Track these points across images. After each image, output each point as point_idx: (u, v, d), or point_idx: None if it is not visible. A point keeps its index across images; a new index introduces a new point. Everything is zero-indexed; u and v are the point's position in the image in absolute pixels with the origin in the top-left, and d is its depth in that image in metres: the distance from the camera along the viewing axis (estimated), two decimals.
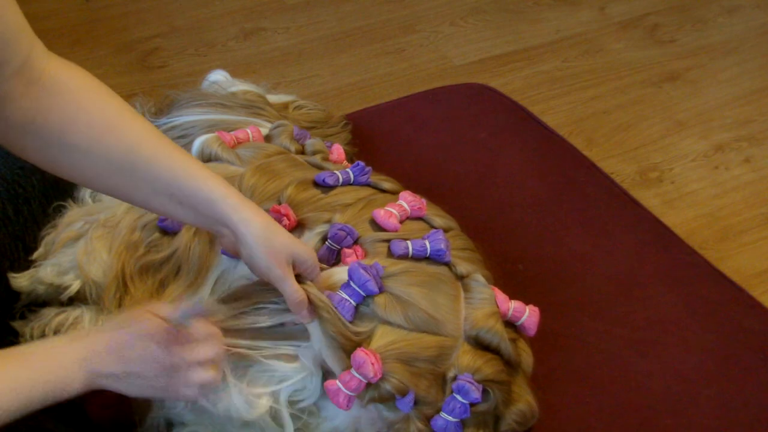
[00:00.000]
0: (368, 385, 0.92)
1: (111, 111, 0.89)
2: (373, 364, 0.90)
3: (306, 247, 0.95)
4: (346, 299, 0.94)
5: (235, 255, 0.99)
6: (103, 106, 0.89)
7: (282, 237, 0.92)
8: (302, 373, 0.95)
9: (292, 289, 0.92)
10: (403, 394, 0.92)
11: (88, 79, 0.90)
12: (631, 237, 1.32)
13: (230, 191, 0.91)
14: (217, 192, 0.90)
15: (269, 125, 1.26)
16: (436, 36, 2.51)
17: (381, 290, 0.95)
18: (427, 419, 0.94)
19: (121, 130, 0.88)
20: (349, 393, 0.91)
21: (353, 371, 0.91)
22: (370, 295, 0.95)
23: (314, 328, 0.94)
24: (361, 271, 0.94)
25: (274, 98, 1.39)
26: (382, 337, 0.93)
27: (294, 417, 0.97)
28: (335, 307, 0.93)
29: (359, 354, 0.91)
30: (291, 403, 0.96)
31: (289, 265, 0.92)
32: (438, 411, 0.94)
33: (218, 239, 0.99)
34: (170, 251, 1.08)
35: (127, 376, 0.81)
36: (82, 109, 0.87)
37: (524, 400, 0.99)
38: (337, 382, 0.91)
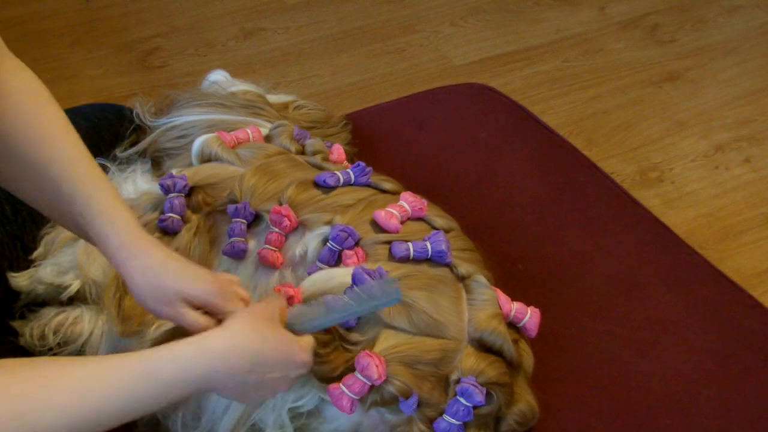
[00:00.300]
0: (371, 388, 0.91)
1: (48, 125, 0.87)
2: (377, 366, 0.90)
3: (198, 282, 0.87)
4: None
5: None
6: (41, 118, 0.87)
7: (168, 280, 0.85)
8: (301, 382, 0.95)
9: (189, 321, 0.85)
10: (407, 396, 0.92)
11: (34, 85, 0.89)
12: (631, 237, 1.32)
13: (128, 232, 0.86)
14: (112, 231, 0.85)
15: (269, 125, 1.26)
16: (436, 36, 2.51)
17: None
18: (430, 421, 0.94)
19: (53, 146, 0.86)
20: (353, 396, 0.90)
21: (357, 374, 0.90)
22: None
23: None
24: (365, 276, 0.94)
25: (274, 98, 1.39)
26: (386, 341, 0.93)
27: (294, 417, 0.97)
28: None
29: (363, 357, 0.90)
30: (291, 410, 0.96)
31: (181, 302, 0.85)
32: (441, 413, 0.94)
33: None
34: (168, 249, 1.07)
35: (237, 388, 0.80)
36: (21, 119, 0.86)
37: (525, 401, 0.99)
38: (341, 385, 0.90)
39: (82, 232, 0.89)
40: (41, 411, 0.68)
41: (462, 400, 0.92)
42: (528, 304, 1.04)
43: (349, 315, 0.90)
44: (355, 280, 0.94)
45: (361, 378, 0.90)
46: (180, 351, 0.77)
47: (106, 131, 1.27)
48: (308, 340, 0.86)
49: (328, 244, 1.03)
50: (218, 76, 1.42)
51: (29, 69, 0.90)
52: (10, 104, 0.86)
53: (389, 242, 1.03)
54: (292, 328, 0.86)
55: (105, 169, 1.21)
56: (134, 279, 0.85)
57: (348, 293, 0.90)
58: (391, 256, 1.01)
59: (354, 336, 0.94)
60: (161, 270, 0.85)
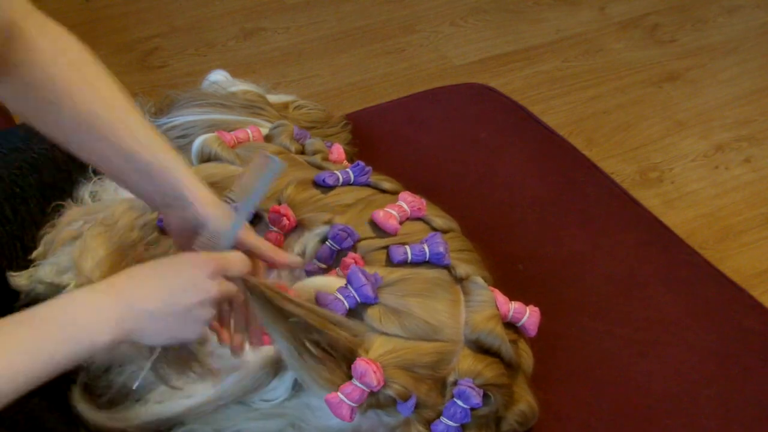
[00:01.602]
0: (369, 394, 0.91)
1: (82, 68, 0.89)
2: (375, 372, 0.89)
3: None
4: (340, 300, 0.94)
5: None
6: (72, 62, 0.89)
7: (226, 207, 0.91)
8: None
9: (266, 245, 0.91)
10: (406, 399, 0.91)
11: (65, 37, 0.90)
12: (631, 237, 1.32)
13: (188, 169, 0.90)
14: (175, 164, 0.89)
15: (269, 125, 1.26)
16: (436, 36, 2.51)
17: (375, 300, 0.95)
18: (428, 423, 0.93)
19: (90, 87, 0.88)
20: (352, 404, 0.90)
21: (355, 381, 0.90)
22: (364, 303, 0.94)
23: None
24: (360, 275, 0.94)
25: (274, 98, 1.39)
26: (381, 347, 0.93)
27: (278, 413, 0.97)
28: (327, 305, 0.93)
29: (360, 364, 0.90)
30: (264, 401, 0.97)
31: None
32: (438, 415, 0.93)
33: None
34: (166, 249, 1.07)
35: (163, 309, 0.79)
36: (51, 65, 0.87)
37: (525, 401, 0.99)
38: (339, 394, 0.90)
39: (123, 171, 0.90)
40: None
41: (459, 403, 0.92)
42: (528, 304, 1.03)
43: (252, 203, 0.89)
44: (350, 278, 0.94)
45: (360, 385, 0.90)
46: (93, 297, 0.78)
47: None
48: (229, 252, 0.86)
49: (327, 243, 1.03)
50: (218, 76, 1.42)
51: (56, 24, 0.91)
52: (40, 62, 0.87)
53: (387, 247, 1.02)
54: (213, 242, 0.87)
55: None
56: (209, 208, 0.88)
57: (234, 189, 0.92)
58: (389, 260, 1.01)
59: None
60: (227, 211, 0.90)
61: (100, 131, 0.88)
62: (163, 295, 0.79)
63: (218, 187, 1.13)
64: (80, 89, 0.87)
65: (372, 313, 0.94)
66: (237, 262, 0.85)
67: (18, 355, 0.71)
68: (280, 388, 0.97)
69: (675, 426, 1.06)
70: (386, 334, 0.94)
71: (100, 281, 0.79)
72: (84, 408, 0.95)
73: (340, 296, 0.94)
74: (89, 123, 0.88)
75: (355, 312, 0.95)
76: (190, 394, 0.96)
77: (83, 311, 0.76)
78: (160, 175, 0.89)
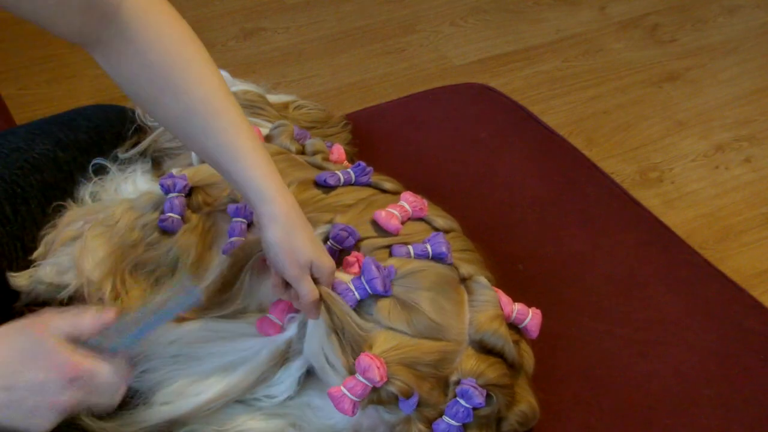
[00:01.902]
0: (372, 389, 0.91)
1: (192, 53, 0.93)
2: (378, 368, 0.89)
3: (328, 258, 0.95)
4: (351, 290, 0.94)
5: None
6: (184, 45, 0.92)
7: (303, 240, 0.92)
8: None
9: (306, 289, 0.92)
10: (408, 396, 0.92)
11: (166, 14, 0.92)
12: (631, 237, 1.32)
13: (270, 178, 0.92)
14: (256, 177, 0.91)
15: (269, 125, 1.26)
16: (436, 36, 2.51)
17: (387, 293, 0.95)
18: (429, 422, 0.94)
19: (200, 73, 0.92)
20: (355, 399, 0.90)
21: (358, 376, 0.90)
22: (374, 295, 0.95)
23: (315, 324, 0.95)
24: (373, 268, 0.94)
25: (274, 98, 1.39)
26: (386, 342, 0.93)
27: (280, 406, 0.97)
28: (339, 294, 0.94)
29: (364, 359, 0.90)
30: (267, 397, 0.97)
31: (307, 267, 0.93)
32: (440, 413, 0.94)
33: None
34: (167, 249, 1.08)
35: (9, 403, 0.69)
36: (163, 49, 0.89)
37: (525, 401, 0.99)
38: (342, 388, 0.90)
39: (216, 166, 0.94)
40: None
41: (462, 402, 0.92)
42: (528, 305, 1.03)
43: (156, 323, 0.82)
44: (364, 269, 0.95)
45: (363, 380, 0.90)
46: None
47: (108, 131, 1.27)
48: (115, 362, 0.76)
49: (328, 242, 1.03)
50: None
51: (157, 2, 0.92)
52: (156, 46, 0.89)
53: (389, 246, 1.03)
54: (97, 345, 0.76)
55: (105, 169, 1.22)
56: (273, 234, 0.91)
57: (149, 306, 0.84)
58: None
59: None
60: (300, 230, 0.92)
61: (199, 126, 0.91)
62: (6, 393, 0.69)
63: (218, 187, 1.13)
64: (190, 76, 0.91)
65: (381, 306, 0.95)
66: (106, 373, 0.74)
67: None
68: (287, 381, 0.97)
69: (675, 426, 1.06)
70: (392, 329, 0.94)
71: None
72: (89, 420, 0.94)
73: (351, 287, 0.94)
74: (190, 117, 0.91)
75: (365, 303, 0.96)
76: (198, 392, 0.96)
77: None
78: (244, 188, 0.92)
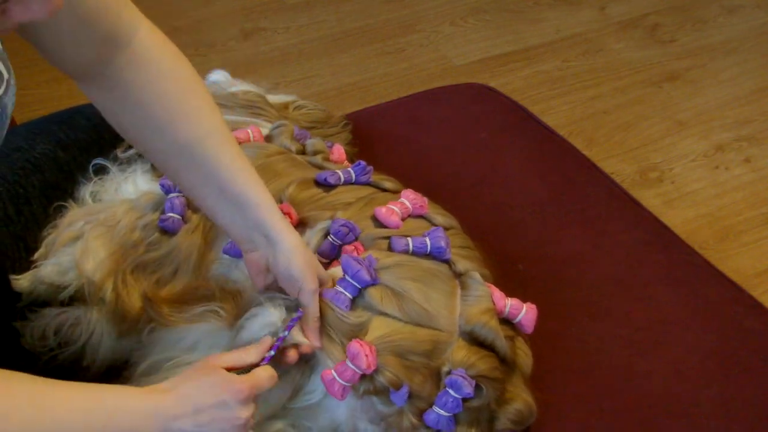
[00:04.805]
0: (363, 376, 0.92)
1: (189, 97, 0.92)
2: (366, 355, 0.90)
3: (323, 269, 0.99)
4: (341, 292, 0.95)
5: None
6: (182, 89, 0.92)
7: (312, 254, 0.96)
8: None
9: (317, 306, 0.94)
10: (397, 387, 0.92)
11: (172, 56, 0.93)
12: (631, 237, 1.32)
13: (275, 205, 0.95)
14: (264, 200, 0.93)
15: (269, 125, 1.26)
16: (436, 36, 2.51)
17: (375, 281, 0.96)
18: (421, 413, 0.94)
19: (194, 118, 0.92)
20: (344, 383, 0.91)
21: (348, 362, 0.91)
22: (365, 287, 0.95)
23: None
24: (353, 261, 0.95)
25: (274, 98, 1.39)
26: (378, 329, 0.94)
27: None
28: (331, 300, 0.94)
29: (354, 345, 0.91)
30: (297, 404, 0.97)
31: (317, 280, 0.94)
32: (431, 405, 0.94)
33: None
34: (168, 250, 1.08)
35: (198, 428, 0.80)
36: (162, 89, 0.90)
37: (521, 399, 0.99)
38: (333, 372, 0.91)
39: (214, 199, 0.95)
40: None
41: (451, 392, 0.93)
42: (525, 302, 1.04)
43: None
44: (344, 267, 0.96)
45: (352, 366, 0.91)
46: (129, 387, 0.82)
47: (107, 131, 1.27)
48: (255, 373, 0.86)
49: (329, 237, 1.03)
50: (218, 76, 1.42)
51: (169, 43, 0.93)
52: (156, 77, 0.91)
53: (389, 237, 1.03)
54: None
55: (105, 169, 1.22)
56: (292, 246, 0.93)
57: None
58: (390, 250, 1.01)
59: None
60: (307, 247, 0.96)
61: (197, 162, 0.92)
62: (195, 418, 0.81)
63: None
64: (182, 119, 0.91)
65: (374, 293, 0.96)
66: (266, 380, 0.86)
67: None
68: (320, 388, 0.97)
69: (675, 426, 1.06)
70: (386, 314, 0.95)
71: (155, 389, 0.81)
72: None
73: (340, 288, 0.95)
74: (187, 153, 0.91)
75: (358, 296, 0.96)
76: None
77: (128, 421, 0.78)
78: (251, 209, 0.93)
